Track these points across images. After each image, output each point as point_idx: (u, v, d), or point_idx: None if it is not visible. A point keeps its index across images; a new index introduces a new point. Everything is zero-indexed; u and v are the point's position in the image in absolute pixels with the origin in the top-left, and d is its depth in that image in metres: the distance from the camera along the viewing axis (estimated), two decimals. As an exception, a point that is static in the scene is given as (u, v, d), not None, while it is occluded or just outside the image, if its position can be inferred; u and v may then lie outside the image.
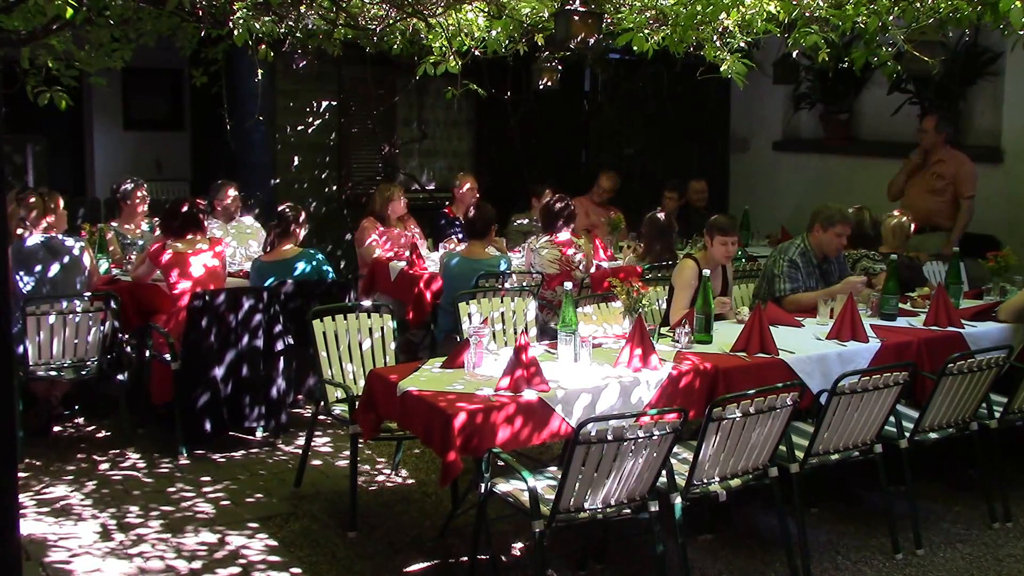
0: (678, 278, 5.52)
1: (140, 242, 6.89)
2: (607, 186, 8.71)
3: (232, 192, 7.36)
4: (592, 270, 7.02)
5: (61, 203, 6.13)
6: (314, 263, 6.14)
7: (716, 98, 10.40)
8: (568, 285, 4.54)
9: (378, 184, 8.90)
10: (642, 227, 7.33)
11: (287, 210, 6.17)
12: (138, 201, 7.00)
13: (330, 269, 6.26)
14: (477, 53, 5.55)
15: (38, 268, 5.75)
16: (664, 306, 5.71)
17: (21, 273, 5.72)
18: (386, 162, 9.78)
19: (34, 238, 5.83)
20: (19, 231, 5.81)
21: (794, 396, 3.97)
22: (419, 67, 5.56)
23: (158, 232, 6.46)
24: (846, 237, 5.78)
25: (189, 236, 5.91)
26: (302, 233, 6.20)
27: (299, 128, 9.26)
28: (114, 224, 7.05)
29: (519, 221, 8.32)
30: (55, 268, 5.80)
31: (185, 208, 5.96)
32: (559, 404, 4.06)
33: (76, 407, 6.23)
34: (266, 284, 5.94)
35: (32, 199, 5.90)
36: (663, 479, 3.87)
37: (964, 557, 4.56)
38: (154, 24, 5.59)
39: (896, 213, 6.57)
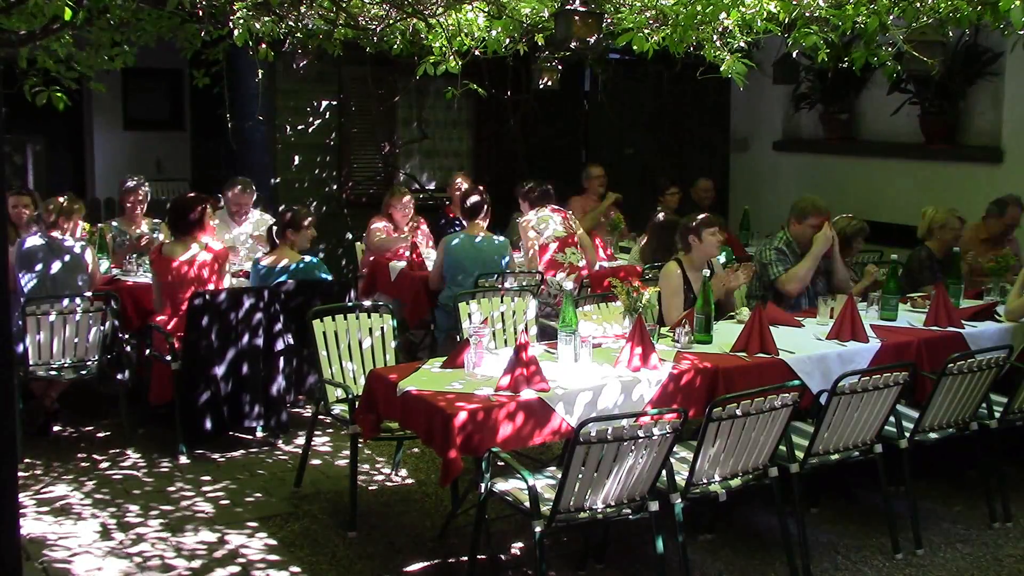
0: (665, 285, 5.49)
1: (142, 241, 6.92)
2: (597, 173, 8.73)
3: (238, 192, 7.31)
4: (596, 267, 7.10)
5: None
6: (311, 270, 6.10)
7: (716, 98, 10.40)
8: (568, 285, 4.55)
9: (378, 183, 8.95)
10: (647, 230, 7.30)
11: (287, 213, 6.14)
12: (138, 200, 7.01)
13: (329, 276, 6.19)
14: (477, 53, 5.55)
15: (39, 267, 5.76)
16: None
17: (22, 272, 5.72)
18: (386, 162, 9.78)
19: (35, 238, 5.84)
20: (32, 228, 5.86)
21: (794, 396, 3.97)
22: (419, 67, 5.56)
23: (159, 235, 6.48)
24: (819, 227, 5.79)
25: (195, 237, 5.88)
26: (304, 236, 6.11)
27: (299, 128, 9.26)
28: (115, 224, 7.07)
29: (519, 220, 8.32)
30: (57, 266, 5.81)
31: (198, 211, 5.83)
32: (559, 403, 4.06)
33: (76, 407, 6.23)
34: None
35: (62, 201, 5.91)
36: (663, 479, 3.88)
37: (964, 557, 4.56)
38: (154, 25, 5.59)
39: (932, 209, 6.53)
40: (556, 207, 7.23)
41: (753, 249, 8.01)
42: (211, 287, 5.83)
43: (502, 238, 6.97)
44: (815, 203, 5.83)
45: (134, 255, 6.69)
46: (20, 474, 5.11)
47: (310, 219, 6.13)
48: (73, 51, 5.40)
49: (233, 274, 6.54)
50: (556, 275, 6.84)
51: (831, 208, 5.98)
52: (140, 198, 7.04)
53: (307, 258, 6.10)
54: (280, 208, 6.28)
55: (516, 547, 4.57)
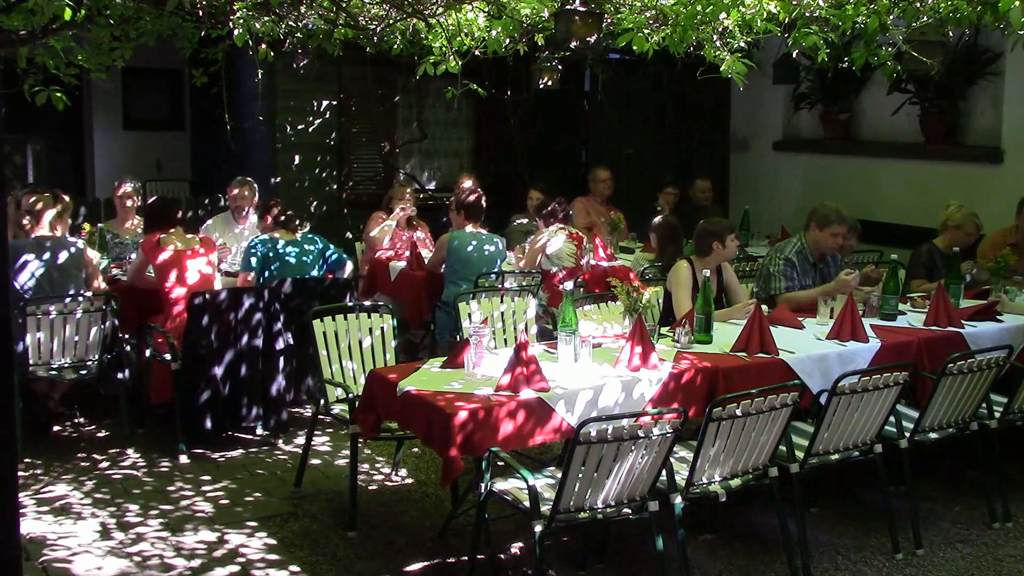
0: (674, 279, 5.50)
1: (127, 240, 6.94)
2: (604, 176, 8.73)
3: (236, 191, 7.33)
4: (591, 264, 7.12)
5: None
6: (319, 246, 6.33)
7: (716, 98, 10.40)
8: (568, 285, 4.55)
9: (378, 183, 8.93)
10: (651, 231, 7.30)
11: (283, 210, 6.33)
12: (125, 201, 7.01)
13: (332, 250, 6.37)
14: (477, 53, 5.56)
15: (40, 265, 5.75)
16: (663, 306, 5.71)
17: (23, 270, 5.71)
18: (386, 162, 9.78)
19: (35, 237, 5.83)
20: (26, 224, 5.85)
21: (794, 396, 3.97)
22: (419, 67, 5.57)
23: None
24: (842, 236, 5.78)
25: (172, 230, 5.95)
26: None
27: (299, 128, 9.27)
28: (101, 225, 7.08)
29: (519, 221, 8.33)
30: (57, 265, 5.80)
31: (161, 204, 6.14)
32: (559, 403, 4.06)
33: (76, 407, 6.23)
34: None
35: (59, 201, 5.91)
36: (663, 479, 3.87)
37: (964, 557, 4.56)
38: (154, 24, 5.59)
39: (955, 208, 6.49)
40: (573, 232, 7.18)
41: (754, 250, 8.03)
42: (207, 267, 6.00)
43: (501, 239, 6.98)
44: (839, 211, 5.68)
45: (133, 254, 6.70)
46: (20, 474, 5.11)
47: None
48: (72, 46, 5.40)
49: (231, 274, 6.55)
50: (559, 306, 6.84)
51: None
52: (129, 200, 7.04)
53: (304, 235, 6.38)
54: (276, 199, 6.41)
55: (516, 547, 4.57)
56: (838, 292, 5.43)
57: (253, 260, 6.13)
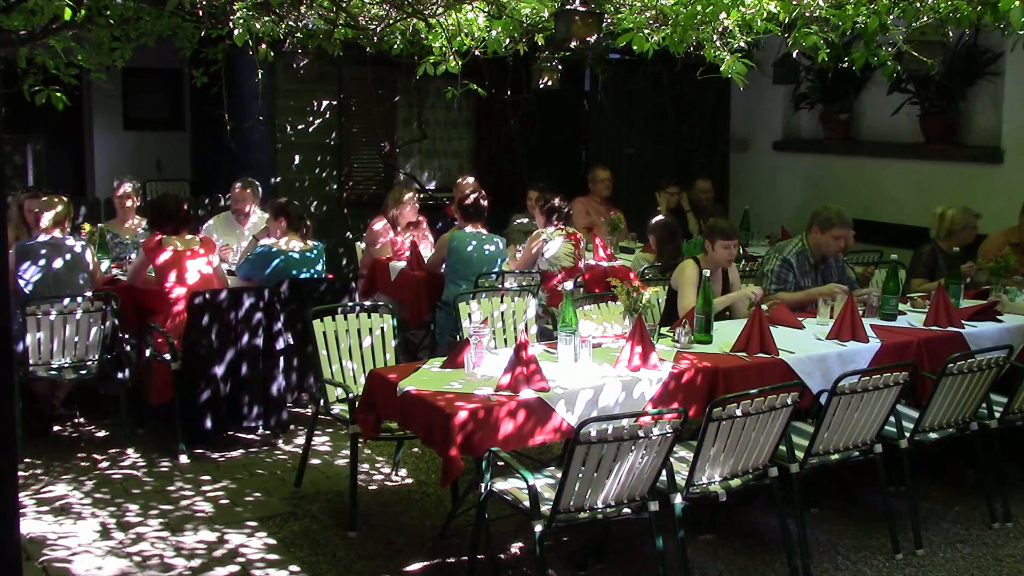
0: (681, 277, 5.51)
1: (127, 240, 6.94)
2: (604, 176, 8.74)
3: (238, 190, 7.34)
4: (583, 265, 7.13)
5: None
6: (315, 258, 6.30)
7: (716, 98, 10.40)
8: (568, 285, 4.55)
9: (378, 183, 8.90)
10: (649, 231, 7.29)
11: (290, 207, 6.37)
12: (125, 201, 7.01)
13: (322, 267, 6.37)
14: (477, 53, 5.56)
15: (41, 266, 5.76)
16: (663, 305, 5.71)
17: (24, 271, 5.72)
18: (386, 162, 9.78)
19: (38, 239, 5.84)
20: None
21: (794, 396, 3.97)
22: (419, 67, 5.57)
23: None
24: (844, 240, 5.77)
25: (186, 236, 5.95)
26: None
27: (299, 128, 9.26)
28: (101, 225, 7.08)
29: (519, 221, 8.32)
30: (58, 265, 5.81)
31: (180, 207, 6.07)
32: (559, 403, 4.06)
33: (76, 407, 6.23)
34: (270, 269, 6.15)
35: (57, 203, 5.90)
36: (663, 479, 3.88)
37: (964, 557, 4.56)
38: (154, 24, 5.59)
39: (951, 212, 6.51)
40: (571, 231, 7.15)
41: (754, 250, 8.04)
42: (207, 268, 6.00)
43: (501, 239, 6.98)
44: (841, 214, 5.67)
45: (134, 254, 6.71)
46: (20, 474, 5.11)
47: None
48: (72, 46, 5.40)
49: (231, 274, 6.55)
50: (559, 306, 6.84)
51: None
52: (129, 201, 7.04)
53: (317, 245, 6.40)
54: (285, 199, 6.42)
55: (516, 547, 4.57)
56: (826, 296, 5.44)
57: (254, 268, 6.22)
